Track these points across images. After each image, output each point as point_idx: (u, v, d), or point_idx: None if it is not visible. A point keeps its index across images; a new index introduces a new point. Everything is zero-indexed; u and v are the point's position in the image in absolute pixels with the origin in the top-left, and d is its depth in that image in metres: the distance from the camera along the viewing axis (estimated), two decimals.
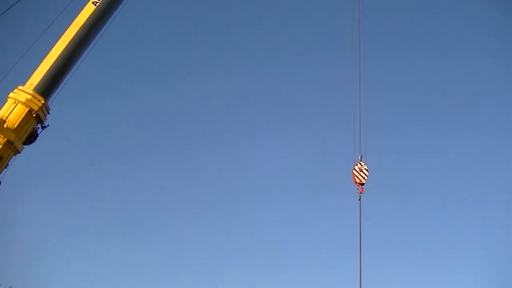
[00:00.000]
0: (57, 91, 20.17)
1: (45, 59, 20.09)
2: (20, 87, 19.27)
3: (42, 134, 19.81)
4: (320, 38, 67.34)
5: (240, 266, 53.45)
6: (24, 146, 19.08)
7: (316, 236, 55.03)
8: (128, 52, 61.13)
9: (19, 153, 18.92)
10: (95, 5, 21.52)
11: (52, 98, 19.98)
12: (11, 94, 19.10)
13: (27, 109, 18.96)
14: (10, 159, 18.68)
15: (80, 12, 21.36)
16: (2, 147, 18.16)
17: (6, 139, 18.21)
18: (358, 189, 25.79)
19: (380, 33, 62.62)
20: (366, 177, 26.15)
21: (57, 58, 20.14)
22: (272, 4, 64.35)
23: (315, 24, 65.50)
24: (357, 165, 26.43)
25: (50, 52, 20.28)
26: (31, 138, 19.44)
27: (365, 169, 26.27)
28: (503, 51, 54.37)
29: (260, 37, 67.63)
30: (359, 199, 25.61)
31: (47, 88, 19.72)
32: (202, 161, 61.54)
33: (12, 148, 18.50)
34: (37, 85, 19.46)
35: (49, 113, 19.78)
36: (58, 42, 20.56)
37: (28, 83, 19.44)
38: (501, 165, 55.89)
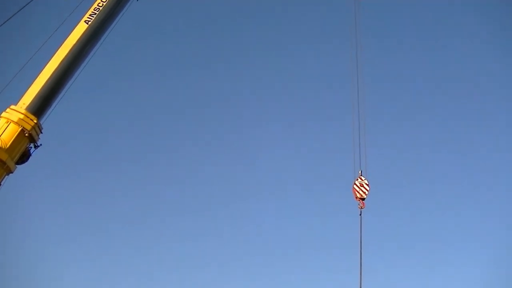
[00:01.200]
0: (50, 110, 20.36)
1: (37, 78, 20.30)
2: (12, 107, 19.43)
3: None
4: (318, 36, 68.16)
5: (241, 266, 54.34)
6: (16, 165, 19.18)
7: (316, 237, 55.71)
8: (126, 52, 61.51)
9: (12, 172, 18.99)
10: (87, 23, 21.86)
11: (45, 117, 20.15)
12: (3, 114, 19.25)
13: (20, 129, 19.09)
14: (3, 179, 18.75)
15: (72, 31, 21.67)
16: None
17: None
18: (359, 204, 25.97)
19: (377, 31, 64.08)
20: (366, 192, 26.34)
21: (49, 78, 20.33)
22: (272, 4, 65.34)
23: (314, 22, 66.34)
24: (357, 180, 26.67)
25: (42, 72, 20.49)
26: (24, 157, 19.53)
27: (365, 183, 26.48)
28: (503, 45, 54.95)
29: (256, 35, 68.74)
30: (360, 214, 25.78)
31: (40, 107, 19.89)
32: (202, 162, 62.27)
33: (4, 168, 18.58)
34: (29, 104, 19.62)
35: (41, 132, 19.89)
36: (50, 61, 20.77)
37: (20, 103, 19.60)
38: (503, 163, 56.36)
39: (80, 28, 21.74)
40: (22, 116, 19.25)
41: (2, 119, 19.19)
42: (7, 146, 18.73)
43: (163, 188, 60.07)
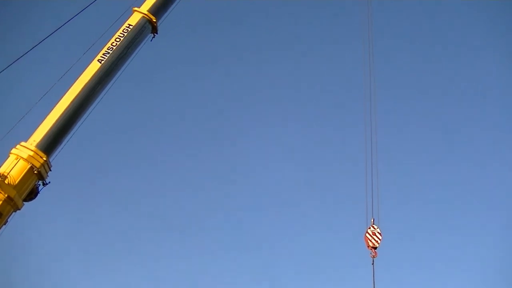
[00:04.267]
0: (60, 148, 21.00)
1: (48, 116, 20.95)
2: (22, 143, 20.01)
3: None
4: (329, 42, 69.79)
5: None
6: (24, 202, 19.69)
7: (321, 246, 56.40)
8: None
9: (19, 209, 19.46)
10: (100, 62, 22.63)
11: (54, 155, 20.78)
12: (13, 150, 19.81)
13: (29, 166, 19.62)
14: (10, 215, 19.24)
15: (85, 70, 22.41)
16: (2, 203, 18.66)
17: (6, 195, 18.74)
18: (371, 253, 26.25)
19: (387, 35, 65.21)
20: (379, 241, 26.63)
21: (60, 116, 20.98)
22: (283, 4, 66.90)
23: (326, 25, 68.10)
24: (370, 228, 27.00)
25: (54, 109, 21.15)
26: (32, 194, 20.07)
27: (378, 232, 26.79)
28: None
29: (265, 37, 70.87)
30: (372, 263, 26.05)
31: (50, 145, 20.49)
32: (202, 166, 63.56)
33: (12, 205, 19.01)
34: (39, 141, 20.21)
35: (50, 170, 20.46)
36: (61, 100, 21.45)
37: (30, 139, 20.20)
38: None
39: (93, 67, 22.42)
40: (32, 153, 19.82)
41: (12, 155, 19.76)
42: (16, 182, 19.23)
43: (164, 189, 61.86)
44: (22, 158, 19.69)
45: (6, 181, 19.02)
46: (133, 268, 52.79)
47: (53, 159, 20.72)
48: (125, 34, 23.63)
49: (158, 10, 25.06)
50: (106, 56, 22.81)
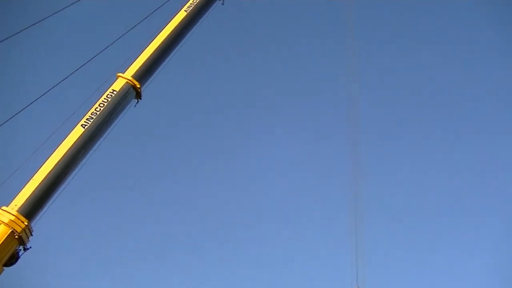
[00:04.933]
0: (42, 213, 20.87)
1: (31, 180, 20.87)
2: (4, 208, 19.89)
3: None
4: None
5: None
6: (4, 268, 19.43)
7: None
8: None
9: None
10: (84, 127, 22.79)
11: (36, 220, 20.63)
12: None
13: (10, 230, 19.45)
14: None
15: (68, 134, 22.56)
16: None
17: None
18: None
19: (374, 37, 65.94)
20: None
21: (42, 181, 20.92)
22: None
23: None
24: None
25: (36, 174, 21.06)
26: (12, 259, 19.81)
27: None
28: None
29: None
30: None
31: (32, 209, 20.34)
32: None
33: None
34: (21, 206, 20.06)
35: (32, 235, 20.30)
36: (44, 164, 21.43)
37: (12, 204, 20.06)
38: None
39: (77, 132, 22.56)
40: (13, 218, 19.65)
41: None
42: None
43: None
44: (3, 222, 19.49)
45: None
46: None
47: (35, 223, 20.57)
48: (109, 99, 23.94)
49: (142, 76, 25.50)
50: (90, 121, 23.00)
